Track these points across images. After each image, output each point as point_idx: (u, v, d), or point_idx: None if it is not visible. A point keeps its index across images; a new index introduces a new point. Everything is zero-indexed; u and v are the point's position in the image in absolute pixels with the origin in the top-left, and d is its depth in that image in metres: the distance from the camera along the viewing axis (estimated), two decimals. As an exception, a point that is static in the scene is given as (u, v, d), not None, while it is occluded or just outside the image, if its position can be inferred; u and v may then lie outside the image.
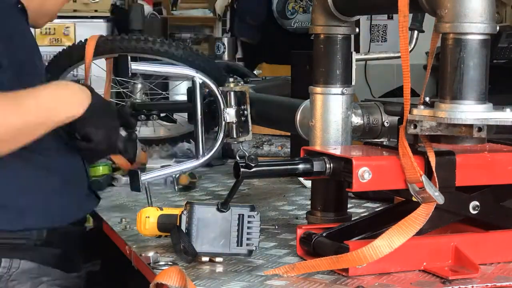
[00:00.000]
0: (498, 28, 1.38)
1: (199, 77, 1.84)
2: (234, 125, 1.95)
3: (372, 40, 6.35)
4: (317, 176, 1.45)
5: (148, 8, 4.75)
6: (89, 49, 2.23)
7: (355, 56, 1.69)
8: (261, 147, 2.70)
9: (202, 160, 1.86)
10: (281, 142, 2.75)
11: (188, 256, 1.44)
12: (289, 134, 2.60)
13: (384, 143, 1.53)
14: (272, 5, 6.78)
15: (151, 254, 1.46)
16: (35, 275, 1.72)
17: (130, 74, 1.75)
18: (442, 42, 1.38)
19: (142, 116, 2.51)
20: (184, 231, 1.45)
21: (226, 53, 5.94)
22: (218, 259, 1.46)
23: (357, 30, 1.70)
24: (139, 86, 2.94)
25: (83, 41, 2.28)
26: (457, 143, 1.40)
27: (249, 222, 1.45)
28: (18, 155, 1.61)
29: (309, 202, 1.93)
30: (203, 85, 1.85)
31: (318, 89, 1.67)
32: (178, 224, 1.47)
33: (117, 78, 2.76)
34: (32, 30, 1.88)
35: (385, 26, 6.35)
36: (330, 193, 1.65)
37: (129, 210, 1.93)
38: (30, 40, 1.85)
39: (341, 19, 1.65)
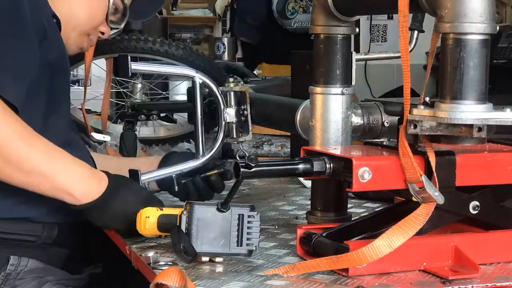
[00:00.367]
0: (498, 28, 1.37)
1: (199, 77, 1.84)
2: (234, 125, 1.95)
3: (372, 40, 6.36)
4: (317, 176, 1.45)
5: (148, 8, 4.74)
6: (89, 49, 2.23)
7: (355, 56, 1.69)
8: (261, 147, 2.70)
9: (202, 160, 1.86)
10: (281, 142, 2.75)
11: (188, 256, 1.44)
12: (289, 134, 2.60)
13: (384, 143, 1.53)
14: (272, 5, 6.79)
15: (151, 254, 1.46)
16: (41, 275, 1.72)
17: (130, 74, 1.74)
18: (442, 42, 1.38)
19: (142, 116, 2.52)
20: (184, 231, 1.45)
21: (226, 53, 5.95)
22: (218, 259, 1.46)
23: (357, 30, 1.70)
24: (139, 86, 2.94)
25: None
26: (457, 143, 1.39)
27: (249, 222, 1.45)
28: None
29: (309, 202, 1.93)
30: (203, 85, 1.85)
31: (318, 89, 1.67)
32: (178, 224, 1.47)
33: (117, 78, 2.76)
34: None
35: (385, 26, 6.35)
36: (330, 193, 1.65)
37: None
38: (61, 45, 1.85)
39: (341, 19, 1.65)
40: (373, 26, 6.33)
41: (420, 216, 1.36)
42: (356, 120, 1.69)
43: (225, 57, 5.88)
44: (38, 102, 1.73)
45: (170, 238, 1.50)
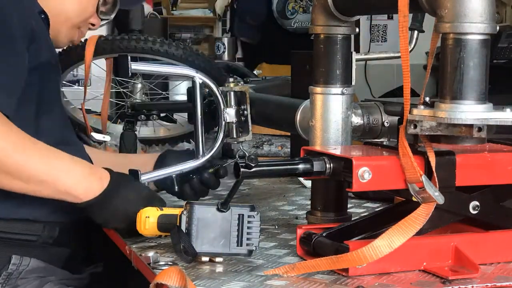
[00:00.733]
0: (498, 28, 1.37)
1: (199, 77, 1.84)
2: (234, 125, 1.95)
3: (372, 40, 6.36)
4: (317, 176, 1.45)
5: (148, 8, 4.75)
6: (89, 49, 2.23)
7: (355, 56, 1.69)
8: (261, 147, 2.70)
9: (202, 160, 1.86)
10: (281, 142, 2.75)
11: (188, 256, 1.44)
12: (289, 134, 2.60)
13: (384, 143, 1.53)
14: (272, 5, 6.79)
15: (151, 254, 1.46)
16: (42, 274, 1.72)
17: (130, 74, 1.74)
18: (442, 42, 1.38)
19: (142, 116, 2.52)
20: (184, 231, 1.45)
21: (226, 53, 5.95)
22: (218, 259, 1.46)
23: (357, 30, 1.70)
24: (139, 86, 2.94)
25: (83, 41, 2.28)
26: (457, 143, 1.39)
27: (249, 222, 1.45)
28: None
29: (309, 202, 1.93)
30: (203, 85, 1.85)
31: (318, 89, 1.67)
32: (178, 224, 1.47)
33: (117, 78, 2.76)
34: None
35: (385, 26, 6.36)
36: (330, 193, 1.65)
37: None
38: (50, 42, 1.86)
39: (341, 19, 1.65)
40: (373, 26, 6.33)
41: (420, 216, 1.36)
42: (356, 120, 1.69)
43: (225, 57, 5.88)
44: (29, 105, 1.74)
45: (170, 238, 1.51)
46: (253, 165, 1.39)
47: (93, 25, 2.00)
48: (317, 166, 1.43)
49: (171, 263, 1.45)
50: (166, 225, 1.52)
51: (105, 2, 2.00)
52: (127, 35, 2.50)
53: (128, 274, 1.68)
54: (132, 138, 2.43)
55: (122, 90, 2.92)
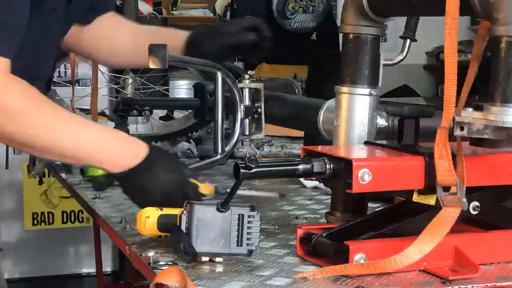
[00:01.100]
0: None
1: (222, 73, 1.85)
2: (247, 122, 1.96)
3: (372, 40, 6.34)
4: (317, 177, 1.45)
5: (148, 8, 4.75)
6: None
7: (383, 57, 1.67)
8: (261, 148, 2.70)
9: (222, 155, 1.90)
10: (281, 143, 2.75)
11: (188, 256, 1.44)
12: (289, 135, 2.60)
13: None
14: (272, 5, 6.78)
15: (151, 254, 1.46)
16: None
17: (167, 64, 1.71)
18: (494, 45, 1.36)
19: (134, 111, 2.52)
20: (184, 231, 1.45)
21: (226, 53, 5.92)
22: (218, 259, 1.46)
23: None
24: (130, 80, 2.94)
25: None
26: (500, 147, 1.39)
27: (249, 222, 1.45)
28: None
29: (309, 202, 1.93)
30: (224, 80, 1.86)
31: (345, 89, 1.65)
32: (178, 224, 1.47)
33: (109, 74, 2.76)
34: None
35: (384, 26, 6.34)
36: (350, 193, 1.63)
37: (129, 210, 1.93)
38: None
39: (374, 19, 1.63)
40: (373, 26, 6.32)
41: (446, 221, 1.34)
42: (381, 122, 1.66)
43: (225, 57, 5.87)
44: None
45: (170, 238, 1.51)
46: (253, 166, 1.39)
47: None
48: (317, 166, 1.43)
49: (171, 263, 1.45)
50: (166, 225, 1.52)
51: None
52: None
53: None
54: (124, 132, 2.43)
55: (115, 86, 2.92)
